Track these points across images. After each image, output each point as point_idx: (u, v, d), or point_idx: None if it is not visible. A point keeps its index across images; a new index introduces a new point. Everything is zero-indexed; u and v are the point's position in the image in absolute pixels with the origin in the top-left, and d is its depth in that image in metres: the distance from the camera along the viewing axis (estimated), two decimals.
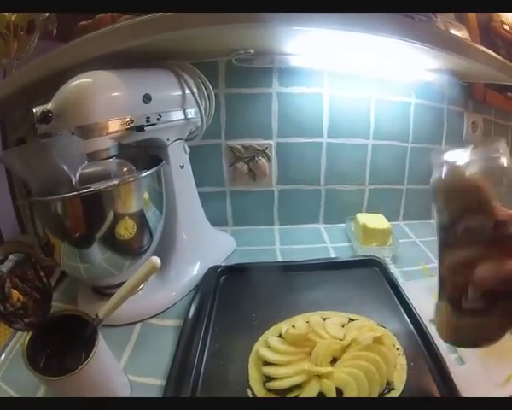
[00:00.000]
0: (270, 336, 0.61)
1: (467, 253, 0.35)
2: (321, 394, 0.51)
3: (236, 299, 0.73)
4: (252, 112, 0.97)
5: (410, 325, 0.66)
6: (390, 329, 0.63)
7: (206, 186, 1.01)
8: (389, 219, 0.97)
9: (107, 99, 0.61)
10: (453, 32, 0.96)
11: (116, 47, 0.63)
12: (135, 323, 0.69)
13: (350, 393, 0.50)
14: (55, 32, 0.86)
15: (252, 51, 0.82)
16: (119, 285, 0.52)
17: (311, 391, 0.51)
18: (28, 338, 0.47)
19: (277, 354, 0.56)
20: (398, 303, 0.71)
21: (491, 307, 0.34)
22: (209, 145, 0.98)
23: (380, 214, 0.99)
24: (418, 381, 0.55)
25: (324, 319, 0.63)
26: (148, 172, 0.63)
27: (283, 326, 0.62)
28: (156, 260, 0.50)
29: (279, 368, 0.55)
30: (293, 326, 0.61)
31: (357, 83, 1.01)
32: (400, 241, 0.94)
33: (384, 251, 0.90)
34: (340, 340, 0.58)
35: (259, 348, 0.58)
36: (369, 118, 1.04)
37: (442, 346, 0.60)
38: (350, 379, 0.51)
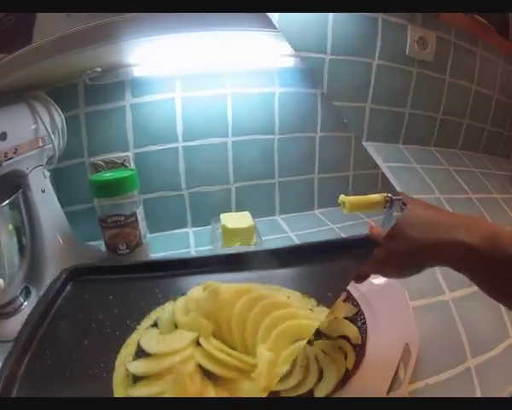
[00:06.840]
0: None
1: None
2: None
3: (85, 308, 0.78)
4: (109, 126, 1.06)
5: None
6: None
7: (77, 204, 1.08)
8: (264, 215, 1.09)
9: None
10: None
11: None
12: None
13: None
14: None
15: (99, 69, 0.94)
16: None
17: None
18: None
19: None
20: None
21: None
22: (74, 164, 1.06)
23: (246, 213, 1.07)
24: None
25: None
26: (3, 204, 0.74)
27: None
28: None
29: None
30: None
31: (212, 81, 1.10)
32: (275, 237, 1.06)
33: None
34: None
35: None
36: (225, 115, 1.14)
37: None
38: None
